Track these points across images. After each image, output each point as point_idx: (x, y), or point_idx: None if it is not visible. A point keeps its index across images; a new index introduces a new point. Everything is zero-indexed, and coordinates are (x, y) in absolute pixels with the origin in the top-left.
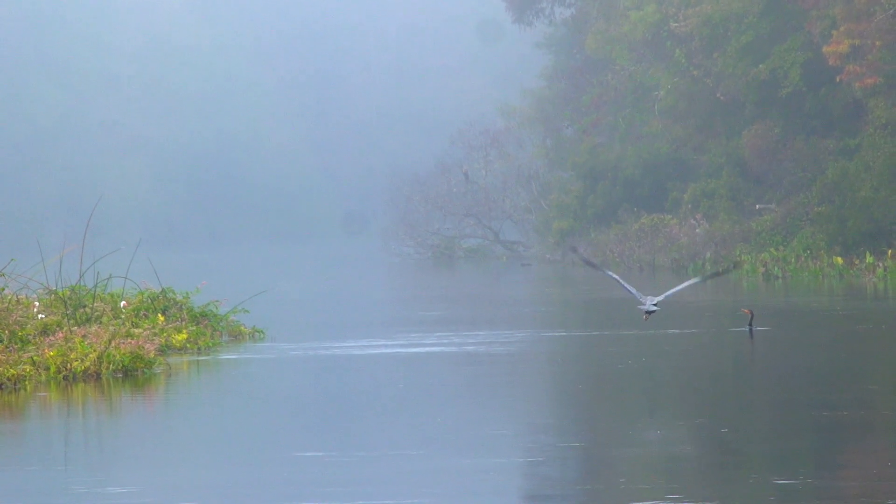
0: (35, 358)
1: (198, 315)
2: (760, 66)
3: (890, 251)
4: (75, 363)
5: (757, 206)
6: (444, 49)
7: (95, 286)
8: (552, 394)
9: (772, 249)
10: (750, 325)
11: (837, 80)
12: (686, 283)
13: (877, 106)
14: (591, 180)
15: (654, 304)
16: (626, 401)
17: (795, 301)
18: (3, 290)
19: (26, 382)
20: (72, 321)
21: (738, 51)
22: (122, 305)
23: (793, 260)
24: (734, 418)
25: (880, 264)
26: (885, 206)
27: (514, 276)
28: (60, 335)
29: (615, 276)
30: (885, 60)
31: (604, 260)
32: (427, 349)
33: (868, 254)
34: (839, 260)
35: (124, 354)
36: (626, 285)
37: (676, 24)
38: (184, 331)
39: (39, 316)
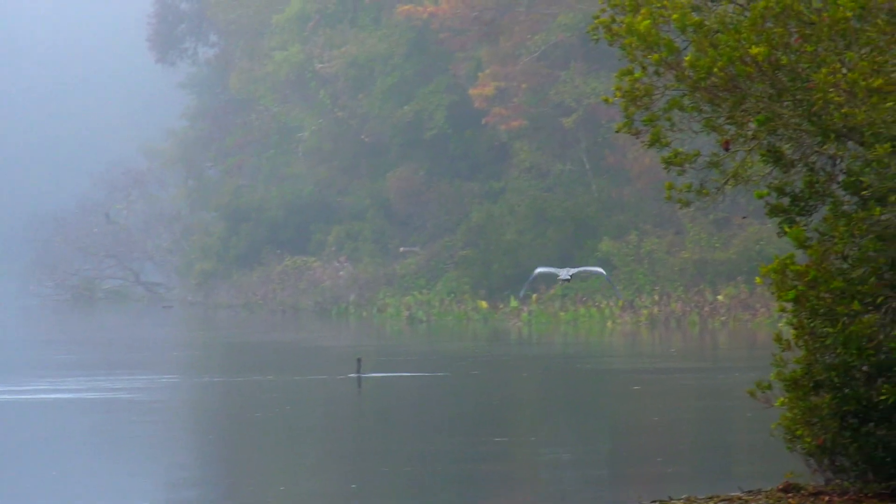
0: None
1: None
2: (405, 107)
3: (535, 295)
4: None
5: (401, 249)
6: (87, 88)
7: None
8: (192, 444)
9: (416, 293)
10: (358, 372)
11: (483, 122)
12: (592, 268)
13: (521, 149)
14: (235, 221)
15: (569, 275)
16: (263, 453)
17: (439, 346)
18: None
19: None
20: None
21: (383, 92)
22: None
23: (437, 303)
24: (368, 472)
25: (525, 308)
26: (530, 249)
27: (155, 319)
28: None
29: (540, 270)
30: (531, 103)
31: (247, 302)
32: (61, 395)
33: (513, 298)
34: (483, 304)
35: None
36: (545, 270)
37: (321, 65)
38: None
39: None
